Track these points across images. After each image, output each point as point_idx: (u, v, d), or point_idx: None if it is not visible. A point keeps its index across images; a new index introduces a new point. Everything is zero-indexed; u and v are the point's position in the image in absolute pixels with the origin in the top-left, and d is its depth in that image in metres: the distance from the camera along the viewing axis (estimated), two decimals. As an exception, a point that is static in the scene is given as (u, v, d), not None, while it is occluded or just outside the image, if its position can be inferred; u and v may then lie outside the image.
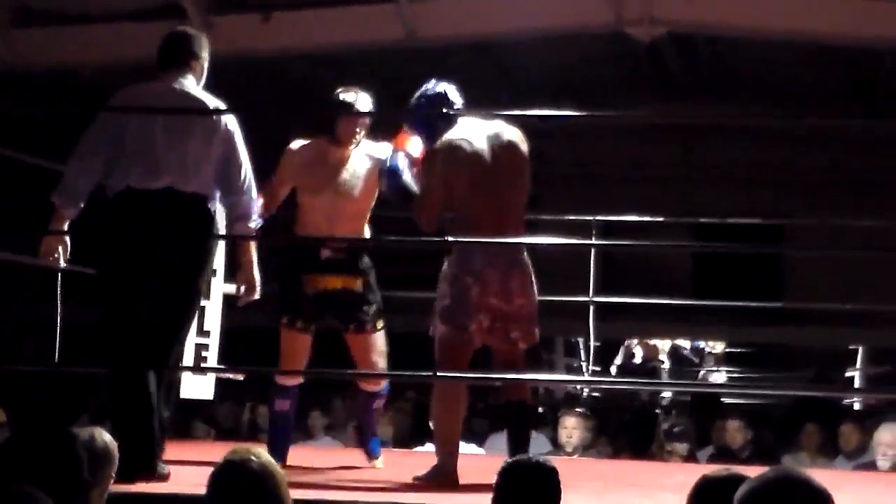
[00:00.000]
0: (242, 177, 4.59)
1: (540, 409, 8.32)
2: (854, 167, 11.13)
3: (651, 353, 11.51)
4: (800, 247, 11.51)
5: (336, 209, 5.15)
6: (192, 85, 4.61)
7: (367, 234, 5.29)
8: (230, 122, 4.58)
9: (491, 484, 3.16)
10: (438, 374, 4.70)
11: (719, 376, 11.90)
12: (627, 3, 8.34)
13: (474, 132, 4.80)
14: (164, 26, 5.36)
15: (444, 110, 4.79)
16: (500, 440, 6.94)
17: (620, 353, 11.65)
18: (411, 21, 8.52)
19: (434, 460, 4.75)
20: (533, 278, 4.81)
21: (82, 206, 4.49)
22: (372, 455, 5.51)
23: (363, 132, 5.19)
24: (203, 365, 5.91)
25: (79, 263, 4.70)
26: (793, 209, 11.20)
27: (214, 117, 4.54)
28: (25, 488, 2.49)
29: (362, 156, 5.21)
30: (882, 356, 10.99)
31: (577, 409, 7.52)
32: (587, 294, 7.30)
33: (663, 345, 11.83)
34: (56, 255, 4.50)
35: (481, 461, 5.64)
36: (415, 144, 4.99)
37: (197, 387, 6.07)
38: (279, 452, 4.90)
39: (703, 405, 8.84)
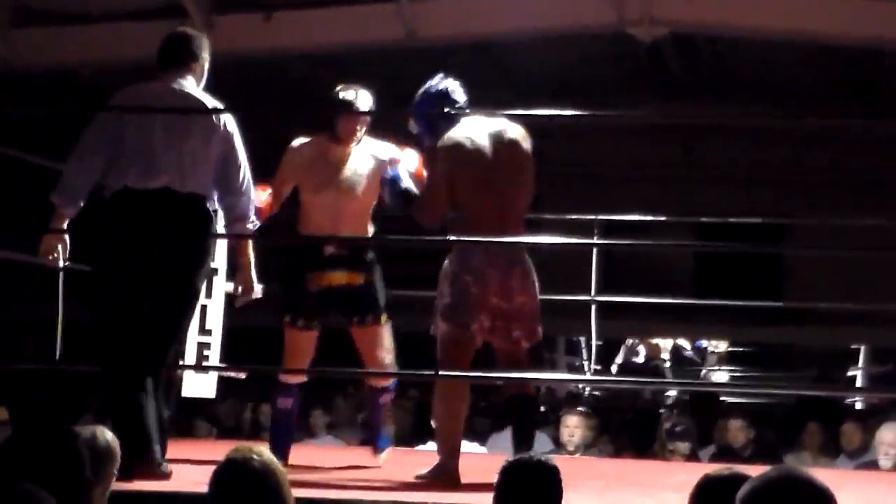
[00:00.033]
0: (241, 178, 4.59)
1: (542, 408, 8.32)
2: (854, 167, 11.13)
3: (653, 352, 11.50)
4: (802, 246, 11.49)
5: (338, 207, 5.15)
6: (192, 86, 4.61)
7: (371, 231, 5.30)
8: (229, 122, 4.58)
9: (493, 483, 3.16)
10: (440, 372, 4.70)
11: (721, 375, 11.90)
12: (628, 4, 8.33)
13: (477, 130, 4.79)
14: (165, 26, 5.37)
15: (446, 110, 4.79)
16: (502, 439, 6.95)
17: (621, 352, 11.64)
18: (412, 21, 8.52)
19: (436, 459, 4.75)
20: (535, 276, 4.81)
21: (82, 205, 4.50)
22: (377, 450, 5.51)
23: (364, 130, 5.20)
24: (205, 363, 5.92)
25: (78, 262, 4.70)
26: (793, 209, 11.19)
27: (213, 118, 4.55)
28: (28, 487, 2.49)
29: (364, 154, 5.21)
30: (884, 355, 11.00)
31: (579, 408, 7.53)
32: (589, 293, 7.30)
33: (665, 344, 11.83)
34: (56, 255, 4.51)
35: (483, 460, 5.65)
36: (410, 158, 5.07)
37: (199, 385, 6.08)
38: (281, 451, 4.90)
39: (701, 404, 8.85)
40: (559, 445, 7.28)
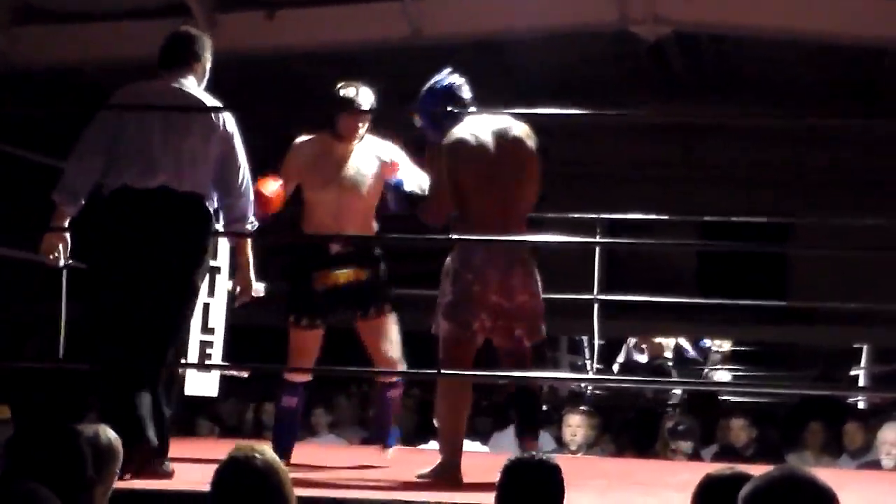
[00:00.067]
0: (240, 179, 4.59)
1: (544, 408, 8.31)
2: (855, 167, 11.11)
3: (656, 351, 11.49)
4: (806, 246, 11.48)
5: (341, 205, 5.15)
6: (193, 85, 4.61)
7: (374, 229, 5.29)
8: (229, 122, 4.58)
9: (494, 482, 3.16)
10: (443, 371, 4.70)
11: (723, 375, 11.89)
12: (632, 2, 8.33)
13: (480, 127, 4.79)
14: (168, 24, 5.37)
15: (450, 108, 4.78)
16: (504, 438, 6.95)
17: (622, 350, 11.64)
18: (417, 19, 8.51)
19: (438, 458, 4.74)
20: (537, 275, 4.80)
21: (82, 203, 4.50)
22: (386, 445, 5.51)
23: (365, 127, 5.20)
24: (207, 362, 5.92)
25: (79, 261, 4.70)
26: (793, 209, 11.17)
27: (213, 117, 4.54)
28: (30, 485, 2.49)
29: (367, 152, 5.21)
30: (886, 355, 10.98)
31: (582, 407, 7.52)
32: (592, 292, 7.30)
33: (668, 342, 11.82)
34: (56, 254, 4.51)
35: (485, 459, 5.64)
36: (404, 160, 5.14)
37: (201, 384, 6.08)
38: (284, 449, 4.91)
39: (702, 403, 8.85)
40: (561, 444, 7.28)
